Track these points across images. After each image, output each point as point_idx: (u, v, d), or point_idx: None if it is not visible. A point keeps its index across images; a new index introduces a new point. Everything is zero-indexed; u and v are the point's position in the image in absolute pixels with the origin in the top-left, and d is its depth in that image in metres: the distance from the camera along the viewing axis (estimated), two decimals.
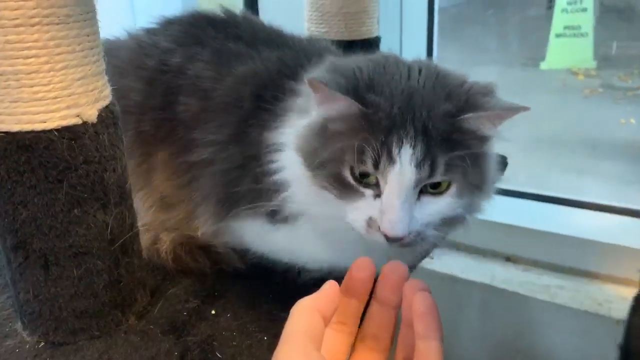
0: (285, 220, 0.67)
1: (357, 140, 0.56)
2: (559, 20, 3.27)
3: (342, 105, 0.57)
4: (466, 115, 0.56)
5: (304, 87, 0.64)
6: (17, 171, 0.55)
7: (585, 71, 3.33)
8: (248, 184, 0.68)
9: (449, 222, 0.61)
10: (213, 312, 0.66)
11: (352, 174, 0.57)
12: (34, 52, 0.53)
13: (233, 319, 0.65)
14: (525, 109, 0.57)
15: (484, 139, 0.60)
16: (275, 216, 0.68)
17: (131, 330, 0.64)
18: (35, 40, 0.53)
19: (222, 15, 0.85)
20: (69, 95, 0.56)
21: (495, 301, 1.39)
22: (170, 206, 0.77)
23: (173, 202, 0.77)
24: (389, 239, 0.56)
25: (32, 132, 0.55)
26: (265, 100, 0.69)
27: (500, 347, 1.42)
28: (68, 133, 0.56)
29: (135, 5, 2.08)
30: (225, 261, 0.74)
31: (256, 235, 0.72)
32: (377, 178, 0.57)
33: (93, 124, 0.58)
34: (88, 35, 0.57)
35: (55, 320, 0.62)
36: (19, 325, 0.65)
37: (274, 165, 0.64)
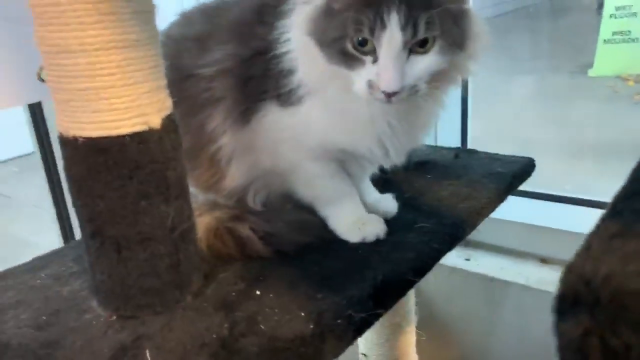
0: (294, 102, 0.81)
1: (356, 13, 0.69)
2: (607, 25, 3.23)
3: None
4: None
5: None
6: (95, 170, 0.67)
7: (636, 77, 3.28)
8: (260, 74, 0.81)
9: (440, 77, 0.75)
10: (258, 292, 0.75)
11: (353, 44, 0.70)
12: (110, 71, 0.64)
13: (275, 299, 0.74)
14: None
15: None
16: (285, 100, 0.81)
17: (188, 307, 0.74)
18: (111, 61, 0.64)
19: None
20: (138, 106, 0.67)
21: (531, 301, 1.44)
22: (194, 159, 0.87)
23: (196, 151, 0.87)
24: (387, 95, 0.70)
25: (108, 137, 0.66)
26: (269, 6, 0.82)
27: (536, 346, 1.45)
28: (137, 138, 0.67)
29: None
30: (248, 245, 0.84)
31: (270, 123, 0.83)
32: (373, 45, 0.69)
33: (157, 130, 0.68)
34: (152, 56, 0.68)
35: (125, 297, 0.73)
36: (94, 303, 0.76)
37: (284, 49, 0.78)
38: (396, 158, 0.86)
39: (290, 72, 0.79)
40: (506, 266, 1.52)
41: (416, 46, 0.70)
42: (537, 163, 1.15)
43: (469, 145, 1.65)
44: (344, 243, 0.87)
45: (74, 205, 0.71)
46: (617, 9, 3.21)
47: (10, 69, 0.91)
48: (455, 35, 0.72)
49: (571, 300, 0.39)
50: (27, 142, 1.58)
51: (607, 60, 3.28)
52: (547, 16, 4.21)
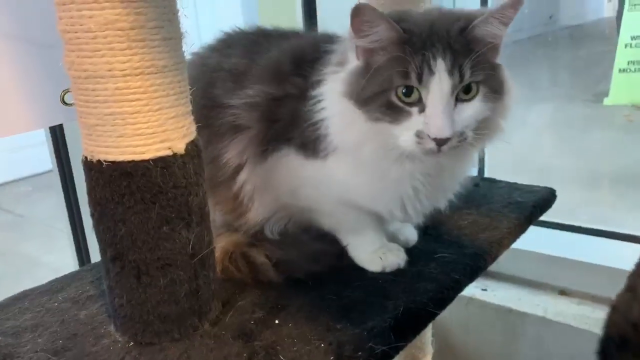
0: (318, 155, 0.80)
1: (402, 62, 0.69)
2: (622, 55, 3.25)
3: (383, 29, 0.70)
4: (474, 22, 0.70)
5: (338, 46, 0.80)
6: (119, 194, 0.67)
7: None
8: (288, 118, 0.82)
9: (484, 126, 0.74)
10: (277, 321, 0.74)
11: (398, 96, 0.70)
12: (137, 96, 0.65)
13: (294, 328, 0.73)
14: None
15: (496, 47, 0.73)
16: (310, 151, 0.81)
17: (206, 335, 0.73)
18: (139, 87, 0.65)
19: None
20: (163, 132, 0.67)
21: (549, 334, 1.41)
22: (216, 186, 0.87)
23: (216, 184, 0.87)
24: (438, 142, 0.69)
25: (132, 161, 0.66)
26: (304, 61, 0.83)
27: None
28: (161, 162, 0.67)
29: (200, 22, 2.26)
30: (262, 272, 0.84)
31: (291, 166, 0.83)
32: (419, 94, 0.70)
33: (181, 155, 0.68)
34: (179, 82, 0.68)
35: (143, 323, 0.72)
36: (112, 328, 0.76)
37: (316, 110, 0.78)
38: (415, 219, 0.87)
39: (322, 133, 0.79)
40: (524, 297, 1.50)
41: (462, 94, 0.71)
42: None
43: (486, 174, 1.64)
44: (363, 272, 0.86)
45: (95, 228, 0.71)
46: (633, 38, 3.22)
47: (35, 92, 0.92)
48: (494, 82, 0.73)
49: (618, 343, 0.38)
50: (41, 161, 1.60)
51: (623, 89, 3.29)
52: (565, 44, 4.22)
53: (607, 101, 3.29)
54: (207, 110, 0.85)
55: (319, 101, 0.78)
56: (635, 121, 3.26)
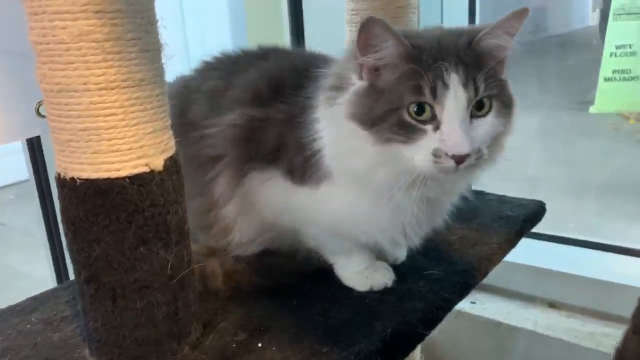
0: (307, 182, 0.76)
1: (413, 78, 0.66)
2: (607, 64, 3.26)
3: (392, 44, 0.67)
4: (480, 34, 0.68)
5: (329, 69, 0.76)
6: (93, 213, 0.64)
7: (637, 115, 3.28)
8: (272, 141, 0.78)
9: (495, 143, 0.71)
10: (260, 344, 0.71)
11: (410, 114, 0.67)
12: (112, 111, 0.62)
13: (278, 352, 0.70)
14: (525, 9, 0.68)
15: (503, 61, 0.71)
16: (297, 176, 0.77)
17: (186, 359, 0.70)
18: (114, 101, 0.61)
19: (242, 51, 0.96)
20: (140, 147, 0.64)
21: (539, 348, 1.39)
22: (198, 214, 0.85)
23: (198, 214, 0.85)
24: (457, 160, 0.65)
25: (108, 179, 0.63)
26: (285, 86, 0.80)
27: None
28: (137, 180, 0.64)
29: (188, 40, 2.23)
30: (210, 280, 0.83)
31: (274, 191, 0.80)
32: (433, 111, 0.66)
33: (159, 172, 0.65)
34: (157, 96, 0.65)
35: (120, 348, 0.68)
36: (86, 352, 0.72)
37: (310, 136, 0.74)
38: (414, 243, 0.84)
39: (315, 159, 0.75)
40: (513, 310, 1.48)
41: (475, 110, 0.68)
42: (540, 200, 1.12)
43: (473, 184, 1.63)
44: (349, 291, 0.83)
45: (69, 248, 0.68)
46: (618, 47, 3.24)
47: (10, 104, 0.89)
48: (505, 97, 0.71)
49: None
50: (23, 169, 1.56)
51: (608, 98, 3.30)
52: (551, 53, 4.24)
53: (592, 109, 3.31)
54: (183, 134, 0.82)
55: (314, 127, 0.74)
56: (621, 130, 3.28)
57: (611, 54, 3.23)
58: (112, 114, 0.62)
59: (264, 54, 0.91)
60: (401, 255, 0.90)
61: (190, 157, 0.81)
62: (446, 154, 0.65)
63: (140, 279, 0.66)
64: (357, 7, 1.05)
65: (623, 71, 3.24)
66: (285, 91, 0.80)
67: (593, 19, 5.16)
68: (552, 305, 1.47)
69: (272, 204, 0.81)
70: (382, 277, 0.83)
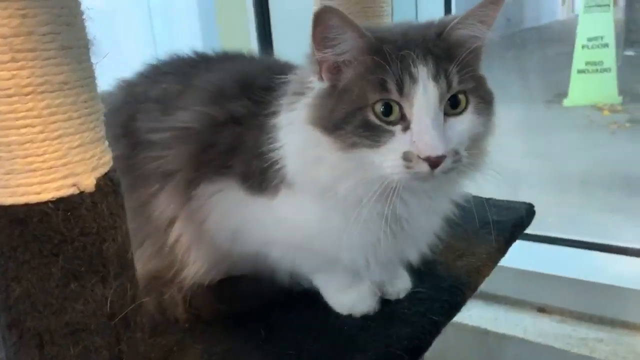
0: (265, 191, 0.67)
1: (376, 73, 0.59)
2: (580, 56, 3.25)
3: (351, 37, 0.60)
4: (452, 24, 0.61)
5: (294, 75, 0.68)
6: (9, 246, 0.52)
7: (611, 107, 3.28)
8: (227, 144, 0.69)
9: (475, 145, 0.63)
10: None
11: (376, 114, 0.59)
12: (27, 121, 0.51)
13: None
14: None
15: (478, 53, 0.64)
16: (253, 185, 0.68)
17: None
18: (29, 110, 0.51)
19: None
20: (65, 165, 0.53)
21: (529, 356, 1.31)
22: (143, 239, 0.75)
23: (142, 237, 0.75)
24: (432, 163, 0.57)
25: (25, 204, 0.52)
26: (254, 86, 0.71)
27: None
28: (63, 204, 0.53)
29: (157, 41, 2.12)
30: (170, 309, 0.74)
31: (228, 203, 0.70)
32: (401, 110, 0.59)
33: (90, 194, 0.55)
34: (86, 102, 0.54)
35: None
36: None
37: (271, 144, 0.65)
38: (381, 274, 0.73)
39: (272, 165, 0.66)
40: (501, 316, 1.40)
41: (449, 108, 0.60)
42: (519, 195, 1.06)
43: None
44: (325, 317, 0.74)
45: None
46: (589, 39, 3.22)
47: None
48: (483, 92, 0.63)
49: None
50: None
51: (581, 90, 3.29)
52: (523, 46, 4.23)
53: (566, 102, 3.29)
54: (129, 148, 0.72)
55: (275, 135, 0.65)
56: (595, 122, 3.26)
57: (583, 47, 3.21)
58: (27, 126, 0.51)
59: (229, 57, 0.82)
60: (404, 286, 0.78)
61: (133, 173, 0.71)
62: (418, 156, 0.57)
63: (72, 322, 0.56)
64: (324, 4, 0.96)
65: (595, 63, 3.23)
66: (255, 89, 0.71)
67: (562, 12, 5.19)
68: (542, 309, 1.40)
69: (226, 222, 0.71)
70: (363, 303, 0.74)
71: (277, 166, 0.65)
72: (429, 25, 0.64)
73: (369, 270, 0.71)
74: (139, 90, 0.79)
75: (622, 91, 3.13)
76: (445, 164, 0.58)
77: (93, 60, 0.57)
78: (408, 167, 0.58)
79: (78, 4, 0.54)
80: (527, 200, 1.05)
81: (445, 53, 0.60)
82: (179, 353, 0.69)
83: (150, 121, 0.74)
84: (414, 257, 0.74)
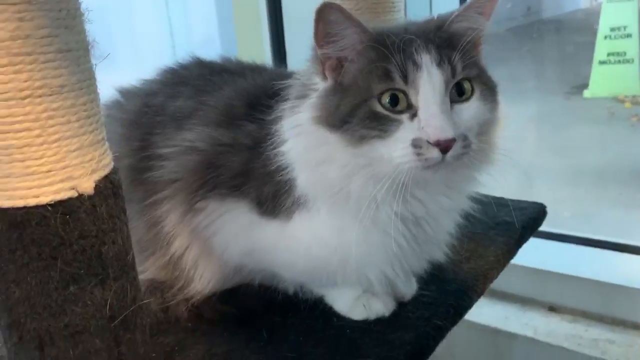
0: (278, 212, 0.66)
1: (379, 63, 0.59)
2: (602, 47, 3.18)
3: (352, 32, 0.60)
4: (452, 17, 0.62)
5: (294, 80, 0.67)
6: (9, 249, 0.53)
7: (633, 99, 3.20)
8: (236, 167, 0.68)
9: (486, 131, 0.63)
10: None
11: (382, 104, 0.59)
12: (25, 125, 0.51)
13: None
14: None
15: (478, 44, 0.65)
16: (266, 206, 0.67)
17: None
18: (27, 113, 0.50)
19: (217, 59, 0.86)
20: (63, 168, 0.53)
21: (539, 356, 1.30)
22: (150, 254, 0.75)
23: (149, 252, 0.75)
24: (442, 147, 0.57)
25: (24, 208, 0.52)
26: (260, 104, 0.70)
27: None
28: (62, 207, 0.53)
29: (174, 32, 2.12)
30: (171, 309, 0.74)
31: (238, 229, 0.69)
32: (407, 99, 0.59)
33: (89, 197, 0.54)
34: (84, 105, 0.54)
35: None
36: None
37: (277, 152, 0.65)
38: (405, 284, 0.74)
39: (284, 184, 0.65)
40: (511, 315, 1.39)
41: (455, 95, 0.60)
42: (535, 189, 1.03)
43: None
44: (326, 320, 0.73)
45: None
46: (612, 29, 3.14)
47: None
48: (486, 79, 0.64)
49: None
50: None
51: (602, 82, 3.22)
52: (543, 36, 4.15)
53: (587, 94, 3.22)
54: (145, 160, 0.72)
55: (279, 140, 0.65)
56: (616, 114, 3.19)
57: (605, 37, 3.14)
58: (25, 129, 0.51)
59: (240, 71, 0.81)
60: (409, 290, 0.76)
61: (144, 186, 0.72)
62: (428, 142, 0.57)
63: (72, 324, 0.56)
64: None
65: (618, 54, 3.15)
66: (260, 109, 0.70)
67: (585, 1, 5.07)
68: (553, 308, 1.38)
69: (235, 240, 0.70)
70: (380, 306, 0.73)
71: (288, 186, 0.65)
72: (429, 21, 0.65)
73: (398, 280, 0.71)
74: (157, 102, 0.78)
75: None
76: (456, 149, 0.58)
77: (93, 62, 0.56)
78: (418, 154, 0.58)
79: (78, 6, 0.54)
80: (542, 195, 1.04)
81: (447, 42, 0.61)
82: (180, 353, 0.69)
83: (164, 136, 0.74)
84: (441, 258, 0.74)
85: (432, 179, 0.63)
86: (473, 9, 0.62)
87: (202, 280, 0.73)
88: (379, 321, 0.72)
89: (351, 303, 0.73)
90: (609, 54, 3.15)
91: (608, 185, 2.49)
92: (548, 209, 1.01)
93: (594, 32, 3.13)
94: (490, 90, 0.64)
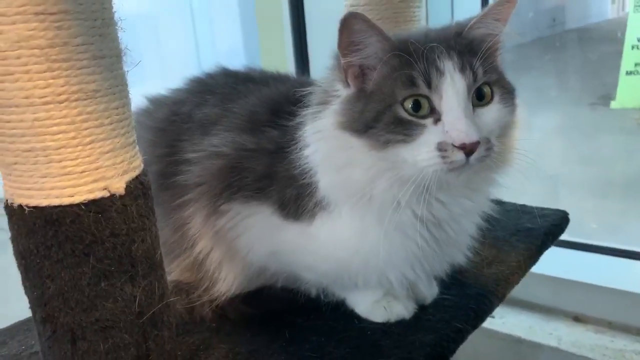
0: (300, 215, 0.68)
1: (403, 69, 0.61)
2: (629, 57, 3.13)
3: (375, 40, 0.62)
4: (470, 24, 0.64)
5: (315, 87, 0.69)
6: (44, 245, 0.55)
7: None
8: (260, 171, 0.70)
9: (504, 135, 0.65)
10: None
11: (406, 110, 0.61)
12: (62, 128, 0.53)
13: None
14: None
15: (497, 49, 0.66)
16: (290, 211, 0.68)
17: None
18: (64, 117, 0.53)
19: (242, 69, 0.89)
20: (97, 169, 0.56)
21: None
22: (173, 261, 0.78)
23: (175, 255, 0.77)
24: (467, 150, 0.58)
25: (59, 206, 0.55)
26: (282, 111, 0.72)
27: None
28: (95, 206, 0.55)
29: (199, 42, 2.16)
30: (197, 309, 0.76)
31: (261, 231, 0.71)
32: (431, 104, 0.61)
33: (121, 196, 0.57)
34: (117, 109, 0.57)
35: None
36: None
37: (300, 158, 0.67)
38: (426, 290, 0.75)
39: (307, 188, 0.67)
40: (535, 325, 1.38)
41: (476, 100, 0.62)
42: (561, 201, 1.03)
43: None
44: (348, 321, 0.74)
45: (23, 284, 0.60)
46: None
47: None
48: (505, 83, 0.66)
49: None
50: None
51: (630, 92, 3.17)
52: (569, 47, 4.11)
53: (614, 104, 3.17)
54: (173, 166, 0.74)
55: (302, 145, 0.67)
56: None
57: (633, 47, 3.09)
58: (61, 132, 0.53)
59: (264, 80, 0.84)
60: (430, 293, 0.77)
61: (172, 190, 0.74)
62: (453, 145, 0.59)
63: (102, 319, 0.58)
64: (355, 3, 0.97)
65: None
66: (282, 115, 0.72)
67: (612, 11, 5.01)
68: (578, 318, 1.36)
69: (259, 243, 0.72)
70: (401, 309, 0.74)
71: (310, 189, 0.66)
72: (447, 28, 0.67)
73: (420, 282, 0.72)
74: (185, 109, 0.81)
75: None
76: (479, 151, 0.59)
77: (125, 68, 0.59)
78: (443, 157, 0.59)
79: (111, 16, 0.57)
80: (569, 206, 1.03)
81: (467, 48, 0.63)
82: (205, 352, 0.71)
83: (191, 142, 0.76)
84: (462, 261, 0.75)
85: (455, 181, 0.64)
86: (490, 15, 0.64)
87: (226, 281, 0.75)
88: (400, 323, 0.73)
89: (372, 305, 0.74)
90: (636, 64, 3.10)
91: (636, 197, 2.45)
92: (574, 221, 1.01)
93: (621, 43, 3.09)
94: (509, 94, 0.65)
